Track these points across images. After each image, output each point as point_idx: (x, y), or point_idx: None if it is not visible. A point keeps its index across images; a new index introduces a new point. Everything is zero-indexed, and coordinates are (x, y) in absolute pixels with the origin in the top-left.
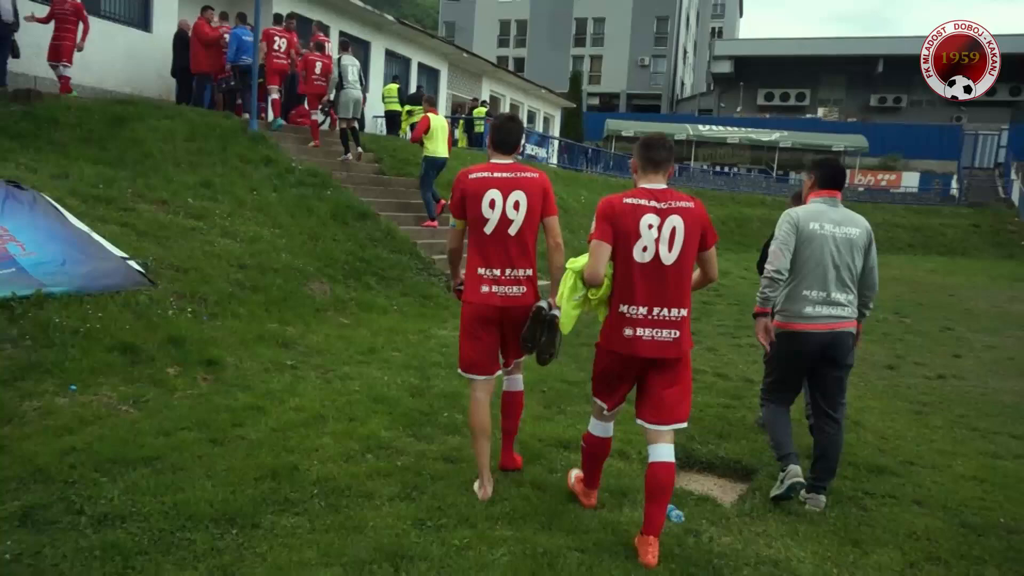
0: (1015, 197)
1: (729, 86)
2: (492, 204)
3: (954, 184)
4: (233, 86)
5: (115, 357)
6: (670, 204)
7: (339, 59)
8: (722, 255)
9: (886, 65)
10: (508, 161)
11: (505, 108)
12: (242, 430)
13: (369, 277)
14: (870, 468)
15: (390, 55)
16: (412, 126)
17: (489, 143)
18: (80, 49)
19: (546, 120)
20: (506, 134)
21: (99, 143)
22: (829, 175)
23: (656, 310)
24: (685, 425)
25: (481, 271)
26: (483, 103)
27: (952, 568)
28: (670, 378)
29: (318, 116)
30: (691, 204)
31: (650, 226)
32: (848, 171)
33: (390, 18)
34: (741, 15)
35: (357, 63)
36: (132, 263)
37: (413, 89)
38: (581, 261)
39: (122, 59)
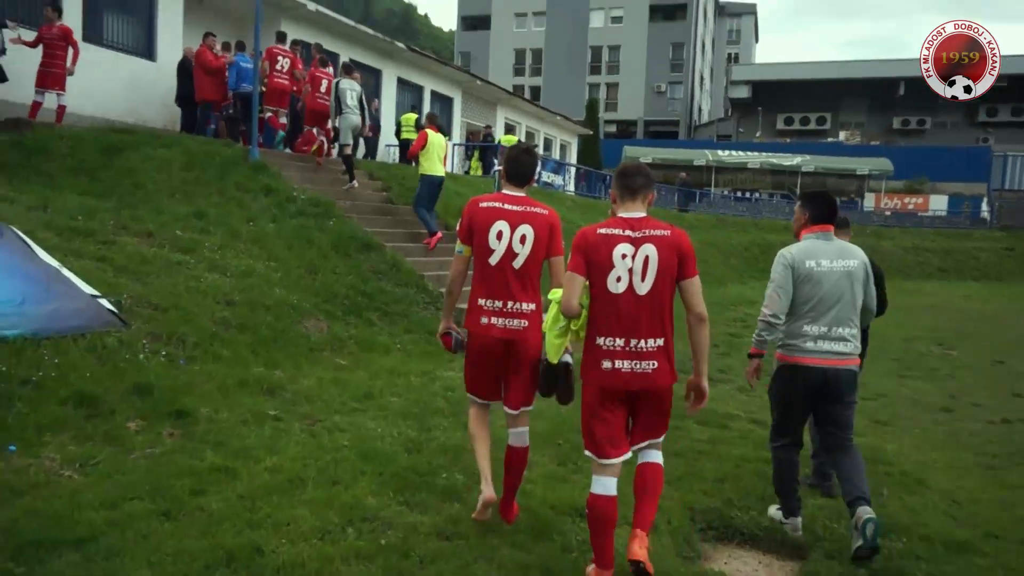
0: None
1: (747, 111)
2: (499, 235)
3: (984, 206)
4: (232, 114)
5: (68, 411)
6: (644, 232)
7: (338, 82)
8: (746, 283)
9: (907, 87)
10: (520, 193)
11: (521, 136)
12: (203, 499)
13: (371, 313)
14: (947, 544)
15: (402, 83)
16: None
17: (503, 173)
18: (71, 73)
19: (563, 147)
20: (520, 166)
21: (90, 173)
22: (822, 211)
23: (633, 341)
24: (661, 440)
25: (482, 302)
26: (511, 131)
27: None
28: (657, 408)
29: (320, 137)
30: (667, 232)
31: (623, 256)
32: (874, 195)
33: (401, 45)
34: (757, 41)
35: (358, 88)
36: (103, 301)
37: None
38: (560, 292)
39: (125, 88)
